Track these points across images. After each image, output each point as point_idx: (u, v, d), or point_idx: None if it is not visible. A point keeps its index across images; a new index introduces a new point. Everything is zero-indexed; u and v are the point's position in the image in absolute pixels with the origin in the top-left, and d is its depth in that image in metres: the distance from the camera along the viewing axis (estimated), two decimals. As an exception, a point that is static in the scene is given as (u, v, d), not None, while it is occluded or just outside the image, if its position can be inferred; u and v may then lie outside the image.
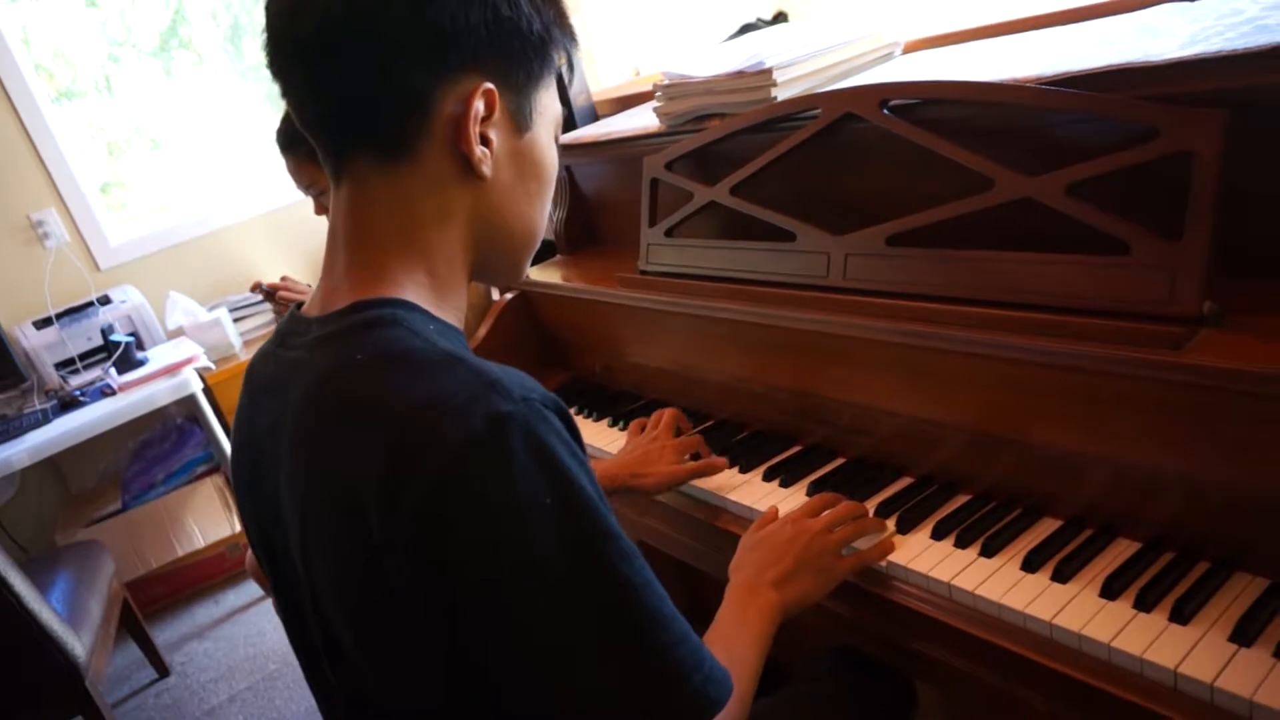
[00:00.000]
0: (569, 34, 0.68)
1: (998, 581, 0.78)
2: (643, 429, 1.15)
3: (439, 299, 0.65)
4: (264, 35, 0.60)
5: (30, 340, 2.54)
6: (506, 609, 0.53)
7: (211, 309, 2.73)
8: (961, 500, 0.91)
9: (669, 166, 1.25)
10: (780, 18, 2.24)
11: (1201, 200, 0.71)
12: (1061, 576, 0.76)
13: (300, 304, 0.69)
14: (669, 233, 1.26)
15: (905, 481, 0.97)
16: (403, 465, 0.52)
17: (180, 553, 2.53)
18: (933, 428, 0.93)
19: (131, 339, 2.44)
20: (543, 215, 0.71)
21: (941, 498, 0.92)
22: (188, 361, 2.37)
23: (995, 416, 0.86)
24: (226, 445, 2.41)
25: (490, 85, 0.61)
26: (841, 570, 0.84)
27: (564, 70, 0.69)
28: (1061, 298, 0.80)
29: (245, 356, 2.67)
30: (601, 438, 1.28)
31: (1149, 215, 0.75)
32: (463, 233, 0.66)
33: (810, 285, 1.04)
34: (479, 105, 0.61)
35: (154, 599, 2.56)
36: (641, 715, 0.55)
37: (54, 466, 2.75)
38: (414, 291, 0.64)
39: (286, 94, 0.61)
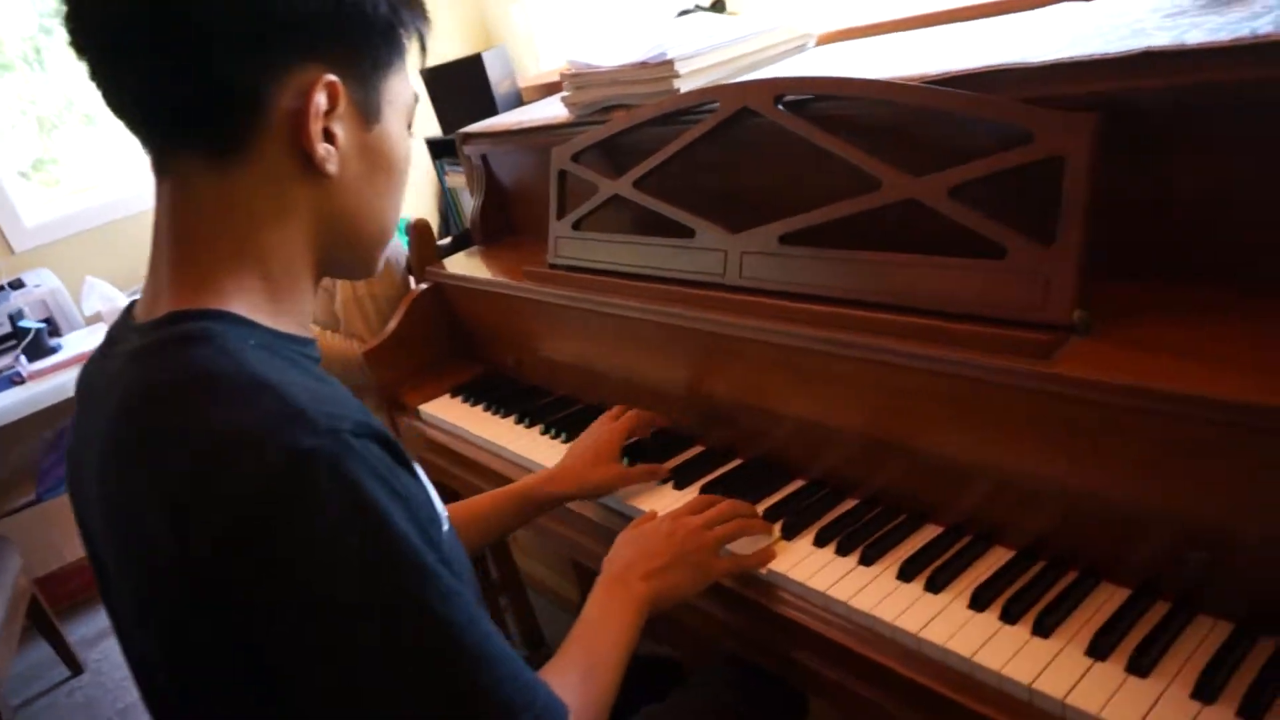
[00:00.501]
0: (419, 13, 0.63)
1: (872, 591, 0.76)
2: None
3: (275, 305, 0.61)
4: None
5: (-64, 326, 2.43)
6: (312, 654, 0.50)
7: (132, 295, 2.63)
8: (848, 505, 0.89)
9: (576, 158, 1.22)
10: (718, 6, 2.21)
11: (1073, 205, 0.70)
12: (934, 586, 0.75)
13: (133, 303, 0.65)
14: (576, 225, 1.23)
15: (797, 484, 0.95)
16: (196, 503, 0.49)
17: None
18: (823, 431, 0.91)
19: (44, 325, 2.35)
20: (395, 209, 0.67)
21: (829, 502, 0.90)
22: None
23: (879, 421, 0.85)
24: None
25: (333, 77, 0.57)
26: (717, 569, 0.83)
27: (418, 53, 0.65)
28: (941, 301, 0.78)
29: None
30: (508, 436, 1.25)
31: (1029, 219, 0.74)
32: (304, 233, 0.61)
33: (708, 283, 1.02)
34: (320, 99, 0.56)
35: (69, 593, 2.48)
36: None
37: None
38: (243, 299, 0.59)
39: (92, 78, 0.56)
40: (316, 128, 0.57)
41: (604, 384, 1.23)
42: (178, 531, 0.49)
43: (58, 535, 2.44)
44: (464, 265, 1.50)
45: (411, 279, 1.61)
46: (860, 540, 0.82)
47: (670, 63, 1.07)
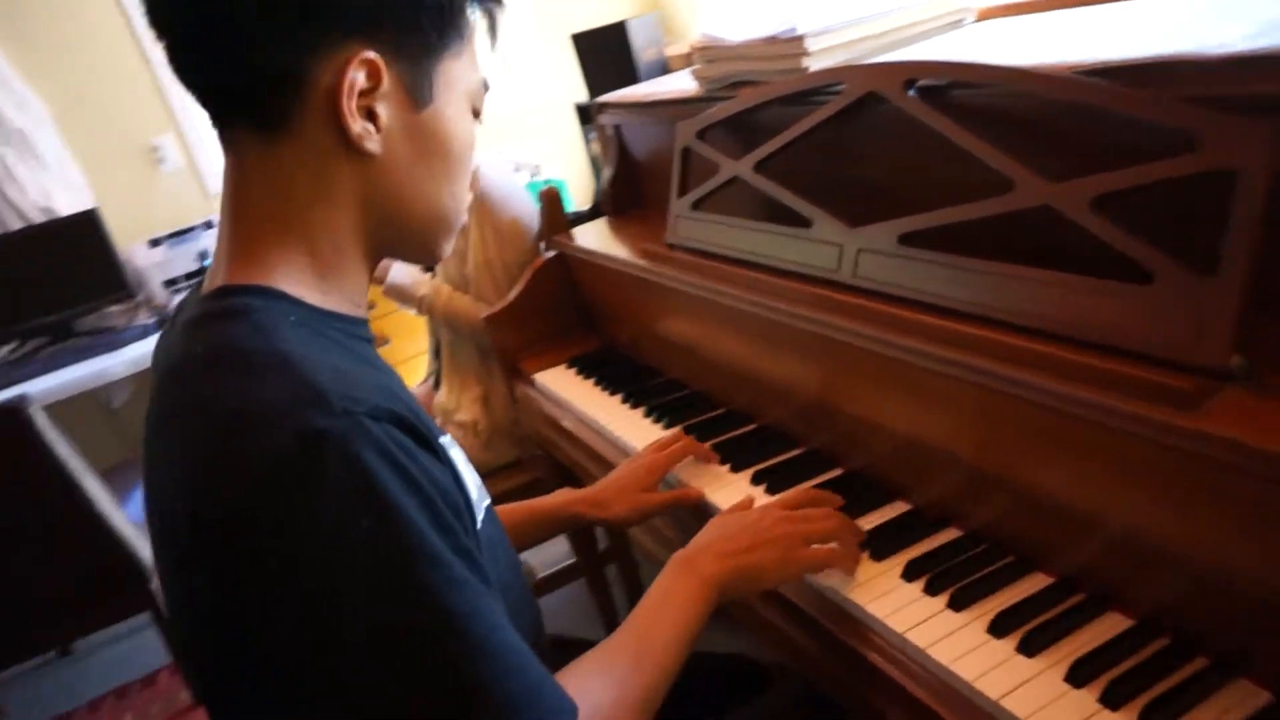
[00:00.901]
0: None
1: (955, 643, 0.69)
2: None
3: (322, 283, 0.61)
4: None
5: (141, 259, 2.70)
6: (313, 637, 0.49)
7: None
8: (949, 536, 0.81)
9: (700, 135, 1.17)
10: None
11: (1242, 231, 0.58)
12: (1028, 649, 0.66)
13: None
14: (696, 205, 1.18)
15: (901, 508, 0.88)
16: (208, 477, 0.49)
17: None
18: (926, 452, 0.83)
19: (225, 265, 2.56)
20: (453, 196, 0.65)
21: (927, 530, 0.82)
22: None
23: (987, 451, 0.76)
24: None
25: (372, 54, 0.55)
26: (805, 559, 0.77)
27: (488, 34, 0.63)
28: (1072, 327, 0.68)
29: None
30: (611, 414, 1.23)
31: (1181, 240, 0.63)
32: (351, 212, 0.61)
33: (821, 279, 0.95)
34: (357, 76, 0.55)
35: None
36: None
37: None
38: (289, 275, 0.59)
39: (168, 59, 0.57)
40: (351, 104, 0.57)
41: (711, 372, 1.18)
42: (190, 504, 0.50)
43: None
44: (590, 236, 1.48)
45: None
46: (953, 581, 0.75)
47: (800, 39, 0.99)
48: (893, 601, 0.75)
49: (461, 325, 1.61)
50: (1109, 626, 0.67)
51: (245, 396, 0.51)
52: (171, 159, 2.84)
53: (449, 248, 0.69)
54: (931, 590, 0.75)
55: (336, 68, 0.55)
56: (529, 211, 1.61)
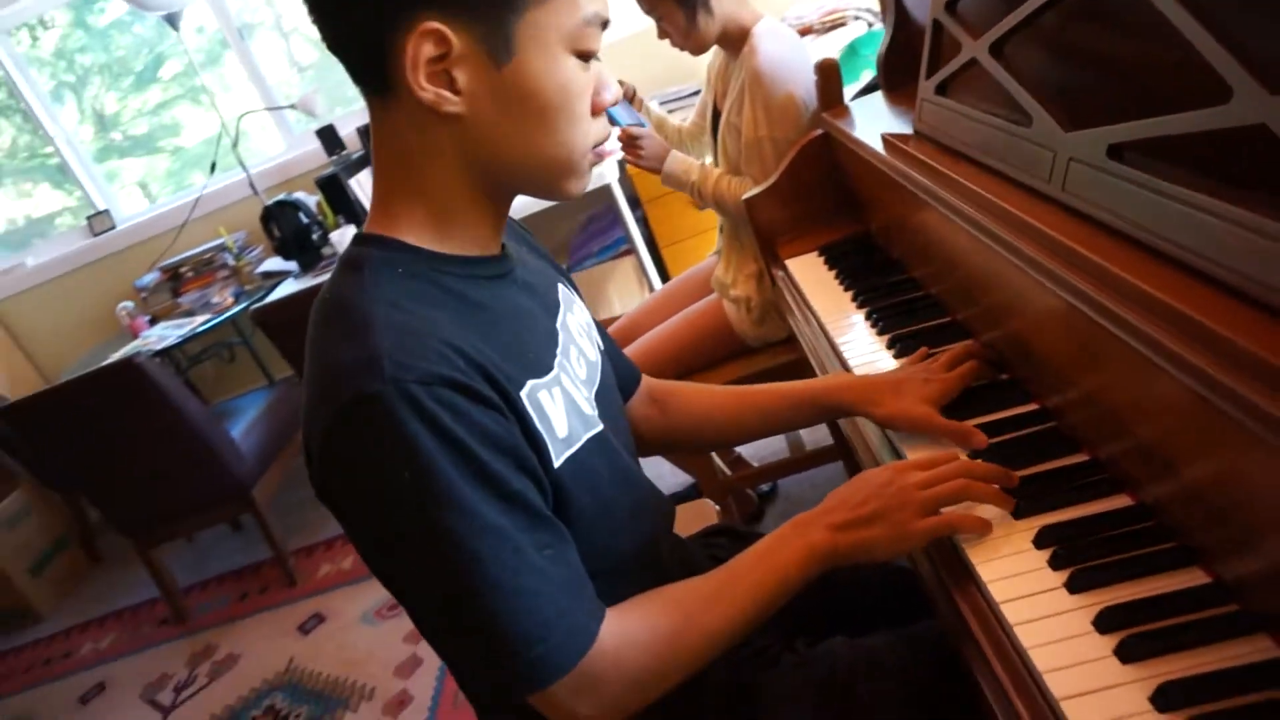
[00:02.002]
0: None
1: (1051, 627, 0.62)
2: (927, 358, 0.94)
3: (441, 230, 0.69)
4: None
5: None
6: (384, 559, 0.63)
7: (650, 97, 2.96)
8: (1115, 504, 0.70)
9: (950, 6, 1.02)
10: None
11: None
12: (1127, 655, 0.58)
13: None
14: (941, 89, 1.06)
15: (1078, 458, 0.77)
16: (307, 417, 0.63)
17: (601, 315, 2.99)
18: (1104, 409, 0.72)
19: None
20: (561, 144, 0.67)
21: (1091, 492, 0.72)
22: (607, 154, 2.65)
23: (1153, 428, 0.64)
24: (636, 234, 2.71)
25: (435, 24, 0.60)
26: (917, 531, 0.71)
27: None
28: (1239, 279, 0.54)
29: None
30: (833, 313, 1.19)
31: None
32: (456, 168, 0.67)
33: (1032, 189, 0.82)
34: (424, 48, 0.61)
35: None
36: (486, 669, 0.62)
37: (533, 227, 3.37)
38: (411, 225, 0.68)
39: None
40: (418, 76, 0.62)
41: (943, 277, 1.09)
42: (304, 440, 0.64)
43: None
44: (865, 112, 1.39)
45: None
46: (1084, 558, 0.66)
47: (1046, -112, 0.81)
48: (1008, 566, 0.68)
49: (728, 207, 1.63)
50: (1250, 650, 0.56)
51: (332, 354, 0.63)
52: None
53: (579, 186, 0.71)
54: (1055, 563, 0.67)
55: (413, 37, 0.61)
56: (806, 86, 1.54)
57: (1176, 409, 0.60)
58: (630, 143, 1.71)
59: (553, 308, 0.81)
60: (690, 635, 0.69)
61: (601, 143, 0.71)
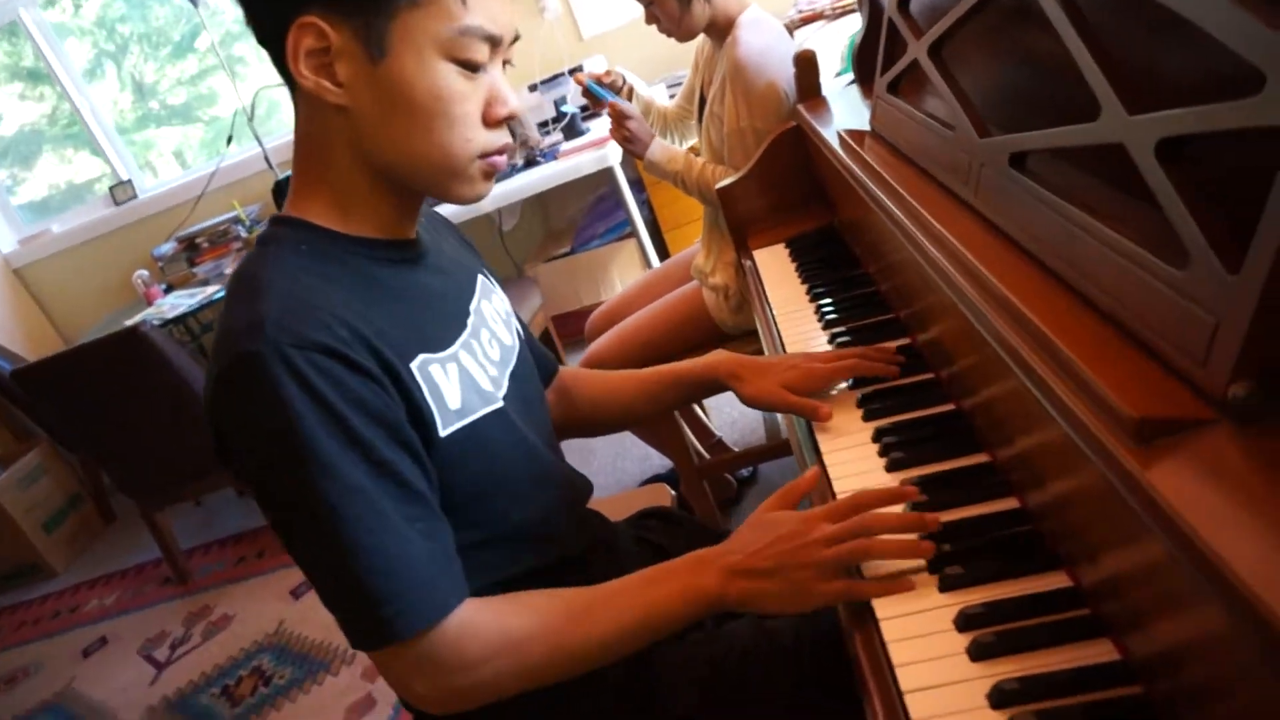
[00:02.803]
0: None
1: (917, 622, 0.64)
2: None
3: (345, 212, 0.73)
4: None
5: (522, 102, 3.07)
6: (267, 511, 0.67)
7: (652, 84, 2.96)
8: (998, 507, 0.72)
9: (903, 4, 1.03)
10: None
11: (1275, 221, 0.42)
12: (977, 653, 0.60)
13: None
14: (893, 88, 1.06)
15: (980, 459, 0.79)
16: (206, 381, 0.67)
17: (602, 297, 3.02)
18: (992, 418, 0.73)
19: (578, 111, 2.81)
20: (433, 147, 0.68)
21: (979, 495, 0.73)
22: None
23: (1028, 441, 0.65)
24: (638, 217, 2.72)
25: (314, 19, 0.64)
26: (816, 595, 0.68)
27: None
28: (1109, 301, 0.55)
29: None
30: (787, 305, 1.21)
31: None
32: (350, 156, 0.71)
33: (954, 193, 0.83)
34: (306, 40, 0.65)
35: (574, 331, 3.11)
36: (347, 618, 0.67)
37: (543, 205, 3.41)
38: (318, 209, 0.73)
39: None
40: (298, 66, 0.66)
41: (885, 276, 1.10)
42: (204, 394, 0.68)
43: (573, 284, 3.06)
44: (836, 105, 1.40)
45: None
46: (960, 560, 0.68)
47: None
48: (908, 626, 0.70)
49: (710, 196, 1.65)
50: (1087, 654, 0.58)
51: (228, 318, 0.67)
52: (552, 7, 3.12)
53: (468, 191, 0.72)
54: (932, 567, 0.69)
55: (293, 30, 0.65)
56: (788, 76, 1.54)
57: (1040, 426, 0.61)
58: (618, 120, 1.72)
59: (466, 293, 0.85)
60: (539, 647, 0.70)
61: (495, 153, 0.72)
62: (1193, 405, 0.46)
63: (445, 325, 0.78)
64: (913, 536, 0.68)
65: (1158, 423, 0.46)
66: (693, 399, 1.03)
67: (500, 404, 0.79)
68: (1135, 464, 0.46)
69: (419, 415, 0.70)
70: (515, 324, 0.93)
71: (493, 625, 0.70)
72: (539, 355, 1.00)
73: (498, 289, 0.93)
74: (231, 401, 0.65)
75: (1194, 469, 0.44)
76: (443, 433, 0.72)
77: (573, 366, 1.08)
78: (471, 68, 0.68)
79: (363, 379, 0.66)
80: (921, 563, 0.68)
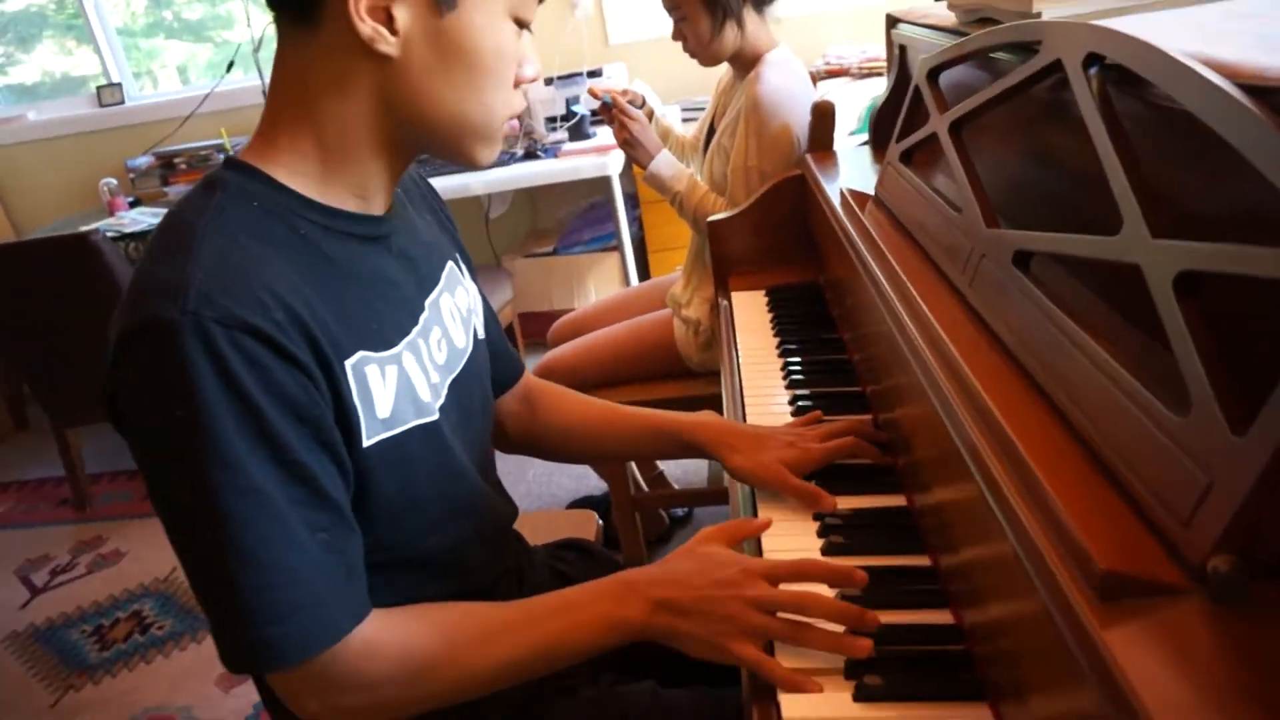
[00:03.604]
0: None
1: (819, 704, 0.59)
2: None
3: (324, 171, 0.66)
4: None
5: (533, 94, 3.02)
6: (152, 490, 0.59)
7: (668, 105, 2.92)
8: (933, 619, 0.67)
9: (932, 75, 0.99)
10: None
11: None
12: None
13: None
14: (906, 158, 1.03)
15: (920, 561, 0.74)
16: (110, 332, 0.59)
17: (574, 304, 2.96)
18: (941, 522, 0.69)
19: (589, 114, 2.76)
20: (483, 105, 0.65)
21: (915, 602, 0.69)
22: (616, 146, 2.61)
23: (978, 555, 0.61)
24: (626, 232, 2.67)
25: None
26: (730, 652, 0.64)
27: None
28: (1092, 431, 0.51)
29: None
30: (754, 356, 1.16)
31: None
32: (365, 109, 0.64)
33: (948, 278, 0.79)
34: None
35: (537, 331, 3.02)
36: (223, 631, 0.59)
37: (534, 201, 3.35)
38: (291, 163, 0.65)
39: None
40: (359, 6, 0.59)
41: (859, 346, 1.06)
42: (104, 347, 0.60)
43: (548, 285, 2.99)
44: (844, 162, 1.36)
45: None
46: (885, 669, 0.63)
47: (1031, -25, 0.78)
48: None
49: (703, 226, 1.60)
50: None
51: (150, 267, 0.59)
52: (584, 4, 3.07)
53: (489, 154, 0.70)
54: (848, 671, 0.63)
55: None
56: (803, 123, 1.51)
57: (991, 542, 0.56)
58: (622, 116, 1.65)
59: (427, 284, 0.77)
60: (446, 670, 0.65)
61: (517, 115, 0.70)
62: (1166, 569, 0.42)
63: (394, 319, 0.70)
64: (845, 633, 0.64)
65: (1125, 580, 0.41)
66: (671, 455, 0.95)
67: (435, 416, 0.72)
68: (1092, 619, 0.41)
69: (344, 419, 0.63)
70: (475, 324, 0.85)
71: (397, 645, 0.64)
72: (505, 358, 0.93)
73: (466, 280, 0.86)
74: (132, 369, 0.57)
75: (1154, 638, 0.39)
76: (366, 442, 0.65)
77: (544, 381, 0.99)
78: (523, 26, 0.66)
79: (291, 369, 0.58)
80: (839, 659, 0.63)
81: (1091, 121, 0.59)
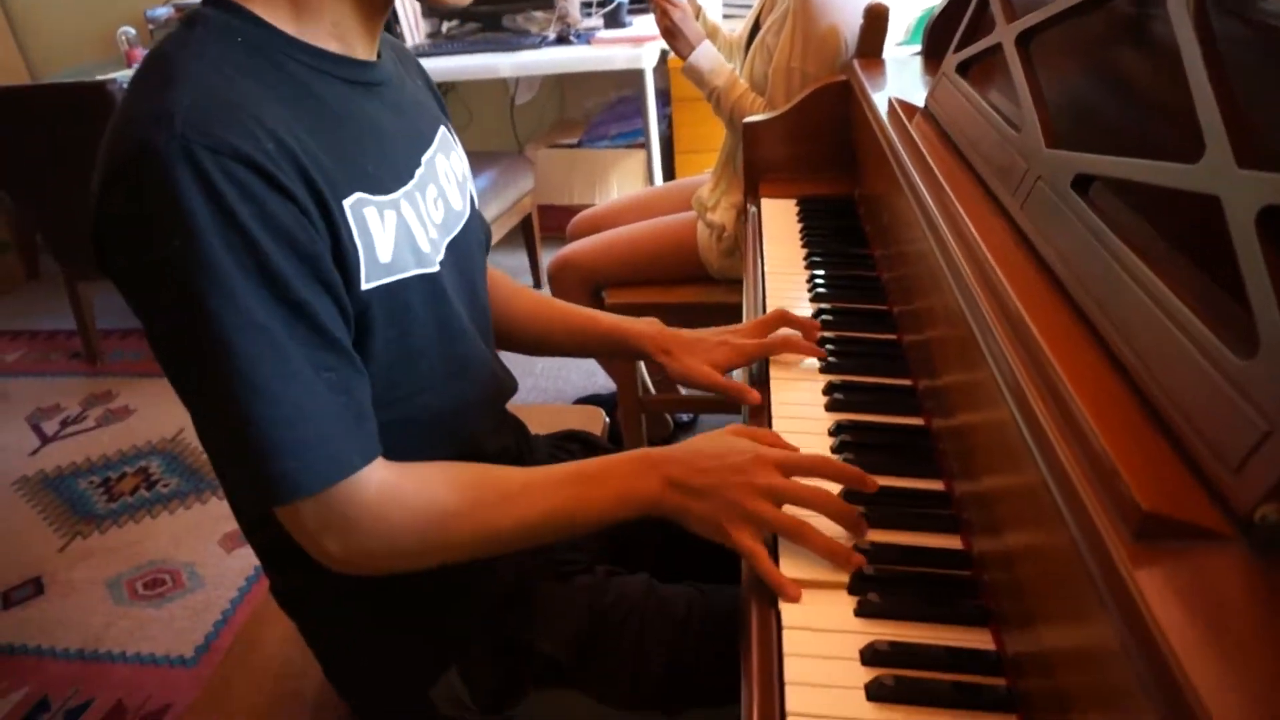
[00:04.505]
0: None
1: (822, 641, 0.59)
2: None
3: (299, 14, 0.63)
4: None
5: (571, -25, 2.88)
6: (152, 336, 0.57)
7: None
8: (940, 543, 0.66)
9: (1002, -21, 0.92)
10: None
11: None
12: (877, 693, 0.55)
13: None
14: (964, 70, 0.97)
15: (934, 485, 0.73)
16: (95, 172, 0.56)
17: (595, 200, 2.90)
18: (963, 447, 0.67)
19: (627, 1, 2.64)
20: None
21: (924, 525, 0.68)
22: (652, 39, 2.50)
23: (998, 484, 0.59)
24: (655, 130, 2.59)
25: None
26: (730, 536, 0.64)
27: None
28: (1140, 366, 0.48)
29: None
30: (779, 267, 1.13)
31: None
32: None
33: (996, 198, 0.76)
34: None
35: (556, 226, 2.98)
36: (233, 471, 0.59)
37: (561, 89, 3.24)
38: (269, 2, 0.62)
39: None
40: None
41: (890, 265, 1.02)
42: (91, 187, 0.57)
43: (570, 178, 2.93)
44: (892, 71, 1.29)
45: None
46: (887, 586, 0.62)
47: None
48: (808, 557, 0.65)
49: (739, 126, 1.54)
50: (991, 729, 0.53)
51: (133, 99, 0.56)
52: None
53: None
54: (853, 586, 0.63)
55: None
56: (853, 26, 1.43)
57: (1017, 471, 0.55)
58: (665, 3, 1.57)
59: (421, 141, 0.76)
60: (466, 523, 0.65)
61: None
62: (1209, 514, 0.40)
63: (390, 168, 0.68)
64: (847, 542, 0.64)
65: (1165, 522, 0.40)
66: (613, 355, 1.00)
67: (435, 269, 0.71)
68: (1125, 557, 0.39)
69: (342, 258, 0.61)
70: (471, 191, 0.84)
71: (419, 494, 0.64)
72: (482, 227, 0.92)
73: (458, 149, 0.84)
74: (121, 203, 0.54)
75: (1189, 583, 0.38)
76: (364, 285, 0.63)
77: (495, 270, 0.97)
78: None
79: (285, 202, 0.56)
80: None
81: (1183, 33, 0.55)
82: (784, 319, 0.90)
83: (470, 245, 0.80)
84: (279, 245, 0.56)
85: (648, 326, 0.94)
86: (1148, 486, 0.41)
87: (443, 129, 0.81)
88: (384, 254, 0.65)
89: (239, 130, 0.55)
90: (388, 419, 0.66)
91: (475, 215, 0.83)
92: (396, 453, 0.66)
